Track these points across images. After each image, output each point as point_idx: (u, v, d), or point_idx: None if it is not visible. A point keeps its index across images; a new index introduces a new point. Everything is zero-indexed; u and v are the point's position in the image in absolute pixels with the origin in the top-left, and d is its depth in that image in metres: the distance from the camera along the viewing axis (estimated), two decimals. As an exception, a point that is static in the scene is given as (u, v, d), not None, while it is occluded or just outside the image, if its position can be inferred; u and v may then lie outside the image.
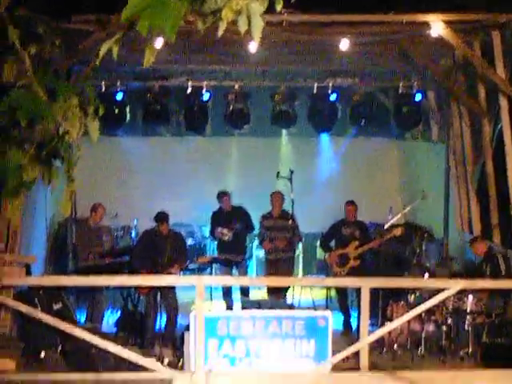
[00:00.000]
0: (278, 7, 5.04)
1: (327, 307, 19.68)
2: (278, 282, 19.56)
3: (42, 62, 6.25)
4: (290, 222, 19.79)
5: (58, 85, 5.93)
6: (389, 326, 17.52)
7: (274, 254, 20.07)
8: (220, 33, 5.02)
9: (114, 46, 5.59)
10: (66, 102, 5.91)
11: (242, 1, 4.94)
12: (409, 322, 17.70)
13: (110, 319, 19.58)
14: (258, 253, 22.71)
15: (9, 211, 6.61)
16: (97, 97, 6.08)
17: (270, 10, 5.20)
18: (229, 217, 20.48)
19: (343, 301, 19.82)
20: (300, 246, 20.78)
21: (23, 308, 17.09)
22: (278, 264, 19.85)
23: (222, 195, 20.60)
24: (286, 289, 20.00)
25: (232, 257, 20.16)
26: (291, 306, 18.76)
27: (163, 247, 18.49)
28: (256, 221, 20.82)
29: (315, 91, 22.72)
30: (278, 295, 19.49)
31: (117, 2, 6.32)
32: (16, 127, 5.88)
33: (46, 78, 5.90)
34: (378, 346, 17.81)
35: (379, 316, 18.48)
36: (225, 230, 20.24)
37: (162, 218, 18.61)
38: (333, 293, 20.38)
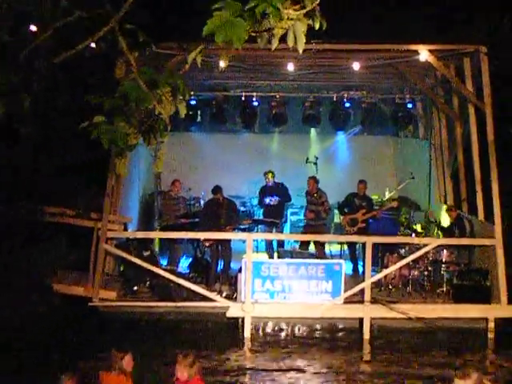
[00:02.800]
0: (317, 25, 5.07)
1: (341, 257, 19.67)
2: (305, 237, 19.56)
3: (142, 62, 6.41)
4: (323, 197, 19.74)
5: (156, 78, 6.06)
6: (385, 271, 17.56)
7: (310, 221, 20.01)
8: (273, 47, 5.07)
9: (198, 55, 5.64)
10: (161, 90, 6.04)
11: (289, 21, 4.98)
12: (400, 268, 17.67)
13: (184, 264, 19.59)
14: (291, 217, 22.61)
15: (118, 168, 6.71)
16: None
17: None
18: (272, 190, 20.45)
19: (352, 252, 19.75)
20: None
21: (122, 254, 17.27)
22: (312, 227, 19.80)
23: (268, 174, 20.56)
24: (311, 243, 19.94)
25: (273, 220, 20.13)
26: (315, 256, 18.74)
27: (220, 211, 18.51)
28: (293, 194, 20.84)
29: (334, 100, 22.65)
30: (305, 247, 19.45)
31: (193, 32, 6.36)
32: (125, 107, 6.06)
33: (147, 74, 6.02)
34: (377, 285, 17.74)
35: (379, 264, 18.41)
36: (272, 198, 20.26)
37: (215, 189, 18.64)
38: (345, 246, 20.34)
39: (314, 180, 19.97)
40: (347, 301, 16.81)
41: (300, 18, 5.04)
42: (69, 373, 8.93)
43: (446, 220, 19.66)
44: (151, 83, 6.01)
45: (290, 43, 5.07)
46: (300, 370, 14.49)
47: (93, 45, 6.96)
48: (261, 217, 21.05)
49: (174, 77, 6.29)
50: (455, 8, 19.74)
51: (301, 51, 5.11)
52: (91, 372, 9.36)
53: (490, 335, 16.51)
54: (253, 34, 5.17)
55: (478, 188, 17.82)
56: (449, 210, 19.07)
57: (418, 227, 19.84)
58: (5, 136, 13.36)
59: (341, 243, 20.60)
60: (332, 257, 20.08)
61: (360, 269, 18.97)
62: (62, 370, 9.13)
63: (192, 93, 22.19)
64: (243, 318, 16.41)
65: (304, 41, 5.07)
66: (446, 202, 21.07)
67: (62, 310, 16.04)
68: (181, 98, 6.23)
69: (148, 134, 6.20)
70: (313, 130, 24.89)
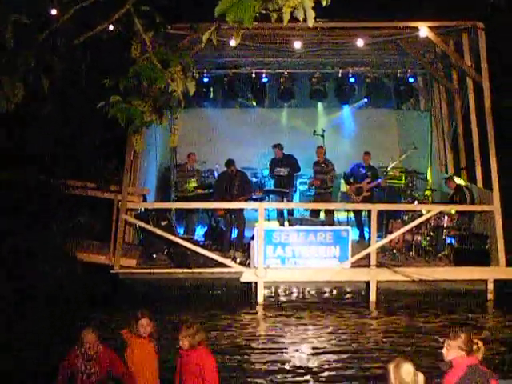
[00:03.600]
0: (324, 2, 4.98)
1: (348, 223, 19.63)
2: (314, 206, 19.53)
3: (156, 42, 6.34)
4: (329, 166, 19.68)
5: (168, 57, 5.99)
6: (390, 237, 17.51)
7: (317, 189, 19.99)
8: (284, 23, 4.99)
9: (213, 34, 5.57)
10: (173, 69, 5.98)
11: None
12: (404, 234, 17.62)
13: (199, 232, 19.59)
14: (300, 187, 22.53)
15: (136, 145, 6.68)
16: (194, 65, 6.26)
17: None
18: (281, 162, 20.36)
19: (359, 219, 19.69)
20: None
21: (141, 224, 17.26)
22: (320, 196, 19.78)
23: (276, 147, 20.47)
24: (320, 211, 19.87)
25: (283, 190, 20.08)
26: (323, 223, 18.71)
27: (233, 183, 18.48)
28: (302, 164, 20.74)
29: (340, 75, 22.46)
30: (314, 215, 19.41)
31: (204, 13, 6.29)
32: (140, 86, 6.02)
33: (160, 53, 5.95)
34: (382, 250, 17.69)
35: (383, 230, 18.35)
36: (282, 169, 20.16)
37: (228, 162, 18.63)
38: (351, 214, 20.29)
39: (322, 149, 19.92)
40: (354, 265, 16.80)
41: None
42: (90, 326, 8.97)
43: (446, 189, 19.59)
44: (164, 63, 5.93)
45: (301, 17, 4.98)
46: (309, 330, 14.57)
47: (110, 27, 6.88)
48: (271, 187, 20.98)
49: (184, 56, 6.21)
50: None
51: (311, 25, 5.03)
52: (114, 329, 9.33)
53: (490, 296, 16.50)
54: (263, 12, 5.09)
55: (477, 157, 17.75)
56: (449, 179, 18.99)
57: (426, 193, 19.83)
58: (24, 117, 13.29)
59: (347, 211, 20.55)
60: (339, 223, 20.05)
61: (366, 235, 18.92)
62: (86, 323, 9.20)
63: (205, 70, 22.13)
64: (256, 283, 16.42)
65: (313, 16, 4.99)
66: (446, 171, 20.98)
67: (85, 278, 16.03)
68: (190, 76, 6.16)
69: (162, 111, 6.13)
70: (320, 104, 24.74)
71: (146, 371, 8.95)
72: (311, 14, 4.96)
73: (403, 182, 20.83)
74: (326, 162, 19.79)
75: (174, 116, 6.44)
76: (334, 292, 16.92)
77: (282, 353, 13.33)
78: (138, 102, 5.96)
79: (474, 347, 7.21)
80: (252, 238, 16.99)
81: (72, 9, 6.37)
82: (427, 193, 20.30)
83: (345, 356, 13.16)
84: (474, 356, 7.17)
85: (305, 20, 5.02)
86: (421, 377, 6.58)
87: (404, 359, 6.71)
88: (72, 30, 6.68)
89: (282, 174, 20.23)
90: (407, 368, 6.53)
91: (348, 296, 16.87)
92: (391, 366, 6.60)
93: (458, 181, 19.09)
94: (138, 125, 6.02)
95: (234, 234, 18.44)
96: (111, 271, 16.52)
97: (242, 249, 17.77)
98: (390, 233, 17.78)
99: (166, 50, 6.05)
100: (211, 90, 23.04)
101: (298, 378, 12.18)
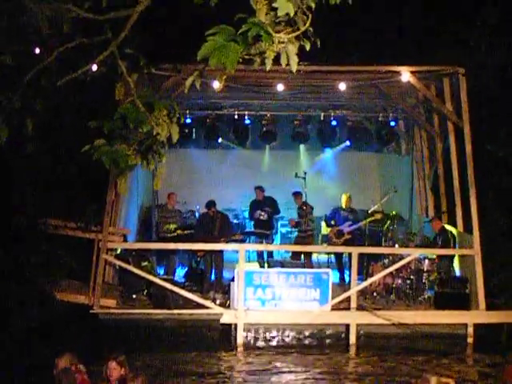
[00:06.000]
0: (307, 46, 5.06)
1: (328, 266, 19.66)
2: (294, 248, 19.55)
3: (141, 84, 6.40)
4: (307, 209, 19.75)
5: (153, 101, 6.02)
6: (370, 280, 17.53)
7: (298, 232, 20.07)
8: (267, 68, 5.05)
9: (197, 79, 5.62)
10: (158, 113, 6.00)
11: (281, 44, 4.97)
12: (384, 277, 17.66)
13: (180, 272, 19.55)
14: (281, 229, 22.58)
15: (119, 187, 6.72)
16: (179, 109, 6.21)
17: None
18: (262, 204, 20.43)
19: (339, 261, 19.72)
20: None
21: (122, 264, 17.21)
22: (301, 238, 19.84)
23: (257, 189, 20.57)
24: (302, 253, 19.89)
25: (264, 231, 20.11)
26: (304, 265, 18.71)
27: (214, 224, 18.50)
28: (283, 207, 20.81)
29: (322, 118, 22.65)
30: (296, 258, 19.43)
31: (188, 55, 6.35)
32: (125, 129, 6.03)
33: (144, 96, 5.99)
34: (362, 293, 17.70)
35: (364, 272, 18.38)
36: (262, 213, 20.22)
37: (209, 204, 18.67)
38: (332, 256, 20.32)
39: (298, 195, 20.08)
40: (334, 308, 16.77)
41: (291, 41, 5.03)
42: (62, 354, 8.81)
43: (427, 231, 19.66)
44: (149, 105, 5.97)
45: (284, 64, 5.04)
46: (290, 372, 14.53)
47: (94, 68, 6.92)
48: (252, 229, 21.02)
49: (171, 101, 6.26)
50: (432, 31, 19.75)
51: (294, 71, 5.10)
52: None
53: (469, 340, 16.50)
54: (246, 57, 5.15)
55: (458, 201, 17.87)
56: (433, 220, 19.07)
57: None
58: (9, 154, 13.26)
59: (328, 253, 20.59)
60: (320, 265, 20.06)
61: (346, 277, 18.94)
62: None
63: (187, 111, 22.24)
64: (236, 325, 16.36)
65: (297, 61, 5.06)
66: (427, 215, 21.09)
67: (64, 317, 15.92)
68: (175, 121, 6.20)
69: (147, 154, 6.16)
70: (302, 147, 24.91)
71: None
72: (295, 60, 5.03)
73: (384, 225, 20.90)
74: (304, 205, 19.84)
75: (158, 160, 6.46)
76: (314, 335, 16.85)
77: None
78: (123, 146, 5.98)
79: None
80: (232, 279, 16.95)
81: (56, 50, 6.42)
82: (408, 236, 20.36)
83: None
84: None
85: (288, 65, 5.09)
86: None
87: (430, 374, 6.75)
88: (56, 71, 6.72)
89: (261, 217, 20.31)
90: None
91: (328, 339, 16.80)
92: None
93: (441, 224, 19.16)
94: (122, 168, 6.04)
95: (214, 275, 18.40)
96: (91, 311, 16.41)
97: (222, 290, 17.73)
98: (371, 276, 17.80)
99: (151, 93, 6.10)
100: (194, 130, 23.19)
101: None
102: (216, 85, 14.99)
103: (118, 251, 17.92)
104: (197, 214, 21.43)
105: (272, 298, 16.67)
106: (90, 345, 15.13)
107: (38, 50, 6.86)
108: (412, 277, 17.91)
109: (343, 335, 16.67)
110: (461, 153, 17.61)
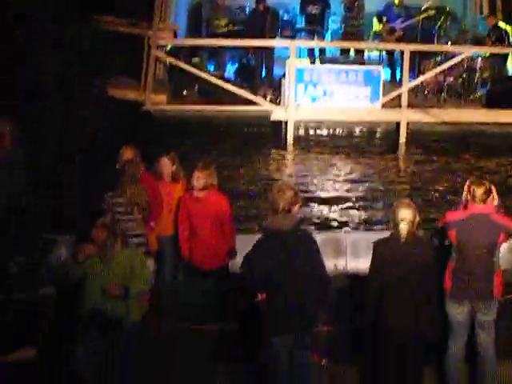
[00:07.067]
0: None
1: (380, 63, 19.32)
2: (346, 44, 19.17)
3: None
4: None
5: None
6: (422, 78, 17.34)
7: (348, 28, 19.44)
8: None
9: None
10: None
11: None
12: (436, 75, 17.43)
13: (230, 69, 19.39)
14: (333, 26, 22.00)
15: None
16: None
17: None
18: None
19: (391, 59, 19.36)
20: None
21: (172, 60, 17.13)
22: (351, 34, 19.28)
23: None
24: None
25: (314, 28, 19.68)
26: (354, 62, 18.46)
27: (264, 20, 18.02)
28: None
29: None
30: (346, 55, 19.15)
31: None
32: None
33: None
34: (414, 91, 17.53)
35: (415, 70, 18.09)
36: (315, 6, 19.61)
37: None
38: (384, 54, 19.94)
39: None
40: (385, 105, 16.71)
41: None
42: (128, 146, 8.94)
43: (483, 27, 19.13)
44: None
45: None
46: (339, 171, 14.72)
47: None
48: (303, 25, 20.55)
49: None
50: None
51: None
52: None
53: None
54: None
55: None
56: (487, 18, 18.55)
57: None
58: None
59: (379, 50, 20.19)
60: (371, 62, 19.73)
61: (398, 75, 18.67)
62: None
63: None
64: (286, 122, 16.42)
65: None
66: (481, 12, 20.42)
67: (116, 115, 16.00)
68: None
69: None
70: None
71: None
72: None
73: (438, 22, 20.29)
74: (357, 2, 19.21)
75: None
76: (364, 132, 16.89)
77: (308, 187, 13.55)
78: None
79: (490, 197, 7.21)
80: (283, 75, 16.87)
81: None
82: (461, 34, 19.83)
83: (369, 196, 13.38)
84: (489, 205, 7.19)
85: None
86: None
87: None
88: None
89: (313, 12, 19.77)
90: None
91: (378, 137, 16.86)
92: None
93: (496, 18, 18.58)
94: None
95: (265, 71, 18.27)
96: (142, 108, 16.52)
97: (273, 87, 17.65)
98: (423, 73, 17.56)
99: None
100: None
101: (320, 207, 12.38)
102: None
103: (169, 48, 17.77)
104: (247, 10, 20.95)
105: (323, 95, 16.61)
106: (142, 142, 15.33)
107: None
108: (464, 75, 17.64)
109: (393, 133, 16.68)
110: None
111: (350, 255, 9.69)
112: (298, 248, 6.58)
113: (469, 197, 7.12)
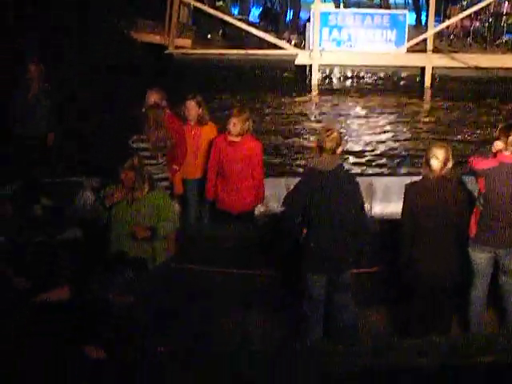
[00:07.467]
0: None
1: (405, 7, 19.06)
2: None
3: None
4: None
5: None
6: (447, 22, 17.14)
7: None
8: None
9: None
10: None
11: None
12: (462, 19, 17.24)
13: (255, 13, 19.23)
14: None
15: None
16: None
17: None
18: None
19: (416, 3, 19.06)
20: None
21: (197, 4, 16.95)
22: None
23: None
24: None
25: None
26: (380, 6, 18.27)
27: None
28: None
29: None
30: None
31: None
32: None
33: None
34: (439, 36, 17.35)
35: (441, 15, 17.88)
36: None
37: None
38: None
39: None
40: (410, 50, 16.56)
41: None
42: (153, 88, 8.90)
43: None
44: None
45: None
46: (364, 117, 14.66)
47: None
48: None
49: None
50: None
51: None
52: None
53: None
54: None
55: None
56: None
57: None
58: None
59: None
60: (396, 6, 19.51)
61: (423, 19, 18.46)
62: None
63: None
64: (311, 66, 16.33)
65: None
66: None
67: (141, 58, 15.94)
68: None
69: None
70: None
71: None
72: None
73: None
74: None
75: None
76: (389, 77, 16.78)
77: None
78: None
79: None
80: (308, 20, 16.74)
81: None
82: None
83: (394, 140, 13.36)
84: None
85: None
86: None
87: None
88: None
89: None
90: None
91: (403, 82, 16.75)
92: None
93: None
94: None
95: (290, 15, 18.11)
96: (166, 51, 16.44)
97: (298, 31, 17.50)
98: (449, 18, 17.36)
99: None
100: None
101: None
102: None
103: None
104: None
105: (347, 39, 16.49)
106: (167, 86, 15.27)
107: None
108: (491, 20, 17.44)
109: (418, 78, 16.56)
110: None
111: (381, 199, 9.65)
112: (341, 188, 6.61)
113: (500, 145, 7.04)
